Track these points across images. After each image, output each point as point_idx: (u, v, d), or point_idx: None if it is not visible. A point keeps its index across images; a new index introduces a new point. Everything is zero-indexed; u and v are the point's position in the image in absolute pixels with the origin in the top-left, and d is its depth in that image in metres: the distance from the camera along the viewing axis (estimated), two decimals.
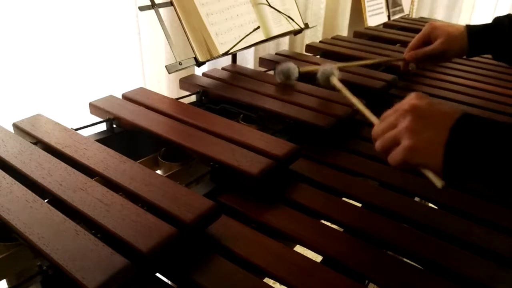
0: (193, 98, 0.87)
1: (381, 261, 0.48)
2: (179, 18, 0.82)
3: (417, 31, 1.47)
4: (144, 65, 1.09)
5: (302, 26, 1.11)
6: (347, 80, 0.94)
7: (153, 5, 0.80)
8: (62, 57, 0.93)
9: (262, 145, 0.62)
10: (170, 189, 0.50)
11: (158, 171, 0.70)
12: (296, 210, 0.55)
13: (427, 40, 0.87)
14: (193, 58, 0.83)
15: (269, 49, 1.39)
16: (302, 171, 0.64)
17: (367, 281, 0.47)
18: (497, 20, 0.81)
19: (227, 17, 0.91)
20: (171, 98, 0.79)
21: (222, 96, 0.83)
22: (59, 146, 0.59)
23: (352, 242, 0.51)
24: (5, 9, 0.83)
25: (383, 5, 1.78)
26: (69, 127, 0.65)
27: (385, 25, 1.66)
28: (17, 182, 0.50)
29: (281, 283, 0.45)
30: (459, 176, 0.44)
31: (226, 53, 0.88)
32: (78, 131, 0.65)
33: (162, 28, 0.79)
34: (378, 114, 0.87)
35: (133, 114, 0.70)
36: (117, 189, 0.51)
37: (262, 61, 1.08)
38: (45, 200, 0.47)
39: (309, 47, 1.23)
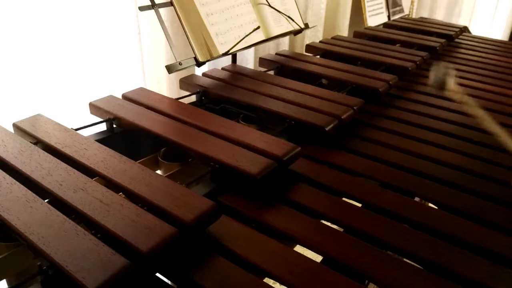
0: (193, 98, 0.87)
1: (381, 261, 0.48)
2: (179, 18, 0.82)
3: (417, 31, 1.49)
4: (144, 65, 1.09)
5: (302, 26, 1.11)
6: (347, 80, 0.95)
7: (153, 5, 0.80)
8: (62, 57, 0.93)
9: (262, 145, 0.62)
10: (170, 189, 0.50)
11: (158, 171, 0.70)
12: (296, 210, 0.55)
13: None
14: (193, 58, 0.83)
15: (269, 49, 1.39)
16: (302, 171, 0.64)
17: (367, 281, 0.47)
18: None
19: (227, 17, 0.91)
20: (171, 98, 0.79)
21: (222, 96, 0.83)
22: (59, 146, 0.59)
23: (352, 242, 0.51)
24: (5, 9, 0.83)
25: (383, 5, 1.78)
26: (69, 127, 0.65)
27: (385, 25, 1.66)
28: (17, 182, 0.50)
29: (281, 283, 0.45)
30: None
31: (226, 53, 0.88)
32: (78, 131, 0.65)
33: (162, 28, 0.79)
34: (378, 114, 0.87)
35: (133, 114, 0.70)
36: (117, 189, 0.51)
37: (262, 61, 1.08)
38: (45, 200, 0.47)
39: (309, 47, 1.23)
